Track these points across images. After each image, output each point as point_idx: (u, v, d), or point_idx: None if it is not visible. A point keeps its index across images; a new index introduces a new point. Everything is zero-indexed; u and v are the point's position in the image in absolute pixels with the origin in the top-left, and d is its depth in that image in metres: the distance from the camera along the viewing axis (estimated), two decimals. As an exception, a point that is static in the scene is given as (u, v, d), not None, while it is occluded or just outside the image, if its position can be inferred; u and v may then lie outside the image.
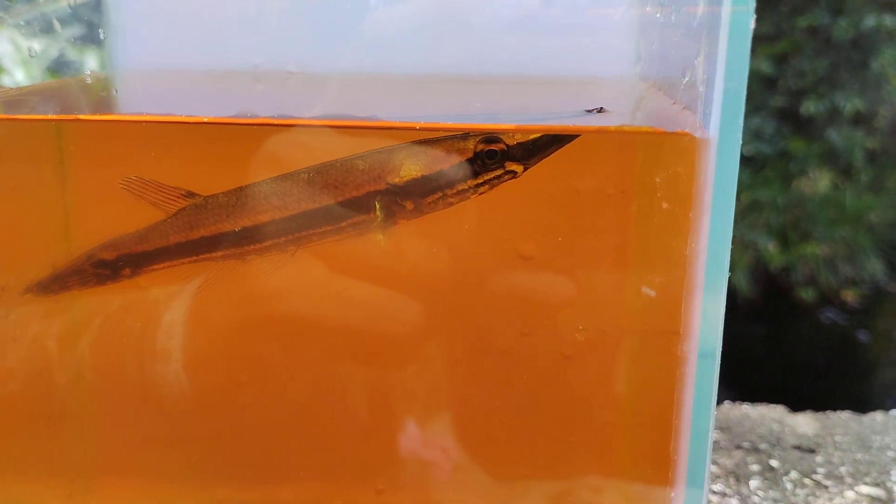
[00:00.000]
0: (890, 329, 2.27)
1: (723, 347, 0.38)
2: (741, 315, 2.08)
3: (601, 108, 0.39)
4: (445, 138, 0.38)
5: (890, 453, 0.64)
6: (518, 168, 0.37)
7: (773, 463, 0.62)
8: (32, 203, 0.41)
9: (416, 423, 0.44)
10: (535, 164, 0.37)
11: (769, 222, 2.31)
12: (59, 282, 0.41)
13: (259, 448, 0.46)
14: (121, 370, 0.44)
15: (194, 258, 0.39)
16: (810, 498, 0.57)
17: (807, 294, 2.31)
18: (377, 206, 0.38)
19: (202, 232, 0.39)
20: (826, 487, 0.59)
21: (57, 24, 0.49)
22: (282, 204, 0.38)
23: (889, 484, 0.59)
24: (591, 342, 0.41)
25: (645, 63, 0.49)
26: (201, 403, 0.45)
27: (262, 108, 0.46)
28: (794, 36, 2.42)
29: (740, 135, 0.32)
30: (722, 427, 0.68)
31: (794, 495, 0.58)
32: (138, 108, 0.53)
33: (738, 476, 0.60)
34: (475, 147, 0.37)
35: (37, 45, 0.48)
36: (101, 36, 0.49)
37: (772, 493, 0.58)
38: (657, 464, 0.42)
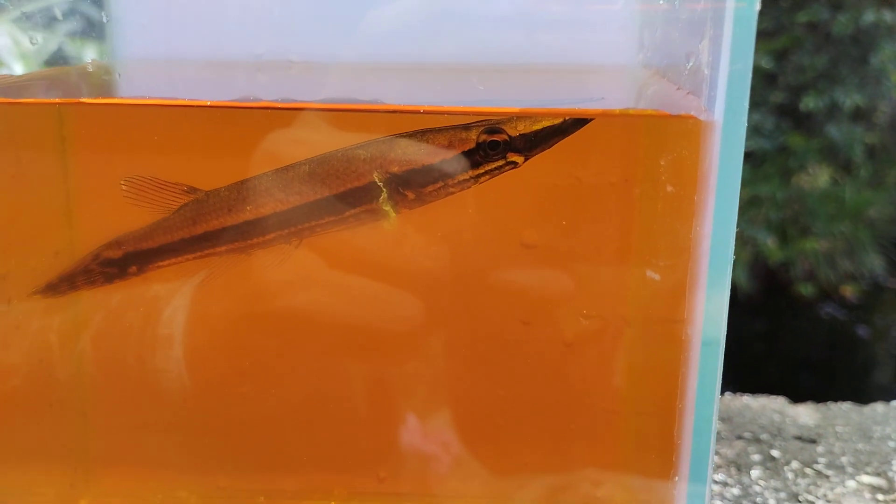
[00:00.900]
0: (889, 324, 2.27)
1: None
2: (740, 310, 2.08)
3: (602, 98, 0.39)
4: (447, 128, 0.38)
5: (891, 443, 0.64)
6: (519, 159, 0.37)
7: (775, 453, 0.62)
8: (34, 190, 0.41)
9: (417, 413, 0.44)
10: (537, 154, 0.37)
11: (768, 218, 2.31)
12: (67, 282, 0.41)
13: (260, 437, 0.46)
14: (122, 361, 0.44)
15: (199, 254, 0.39)
16: (811, 487, 0.57)
17: (806, 289, 2.31)
18: (379, 196, 0.38)
19: (205, 227, 0.39)
20: (827, 477, 0.59)
21: (58, 13, 0.49)
22: (284, 196, 0.38)
23: (890, 474, 0.59)
24: (593, 331, 0.41)
25: (648, 52, 0.49)
26: (203, 393, 0.45)
27: (265, 95, 0.46)
28: (794, 31, 2.42)
29: (745, 117, 0.32)
30: (723, 418, 0.68)
31: (796, 485, 0.58)
32: (140, 95, 0.53)
33: (740, 466, 0.60)
34: (477, 137, 0.37)
35: (38, 37, 0.48)
36: (105, 19, 0.49)
37: (773, 483, 0.58)
38: (661, 453, 0.42)
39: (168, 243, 0.39)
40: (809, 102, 2.36)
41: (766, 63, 2.36)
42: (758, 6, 0.31)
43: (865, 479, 0.59)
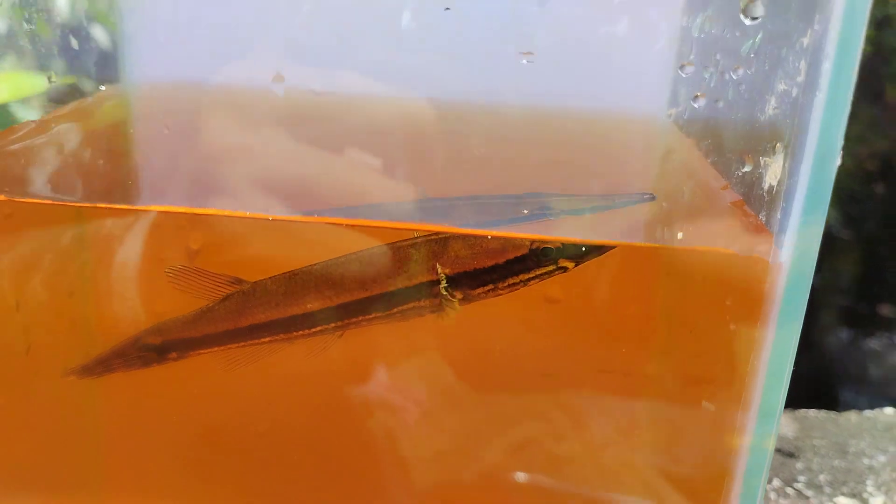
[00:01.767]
0: (840, 274, 2.35)
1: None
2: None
3: (652, 195, 0.39)
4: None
5: (865, 460, 0.68)
6: (570, 264, 0.37)
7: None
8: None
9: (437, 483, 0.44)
10: (588, 260, 0.37)
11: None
12: (104, 364, 0.40)
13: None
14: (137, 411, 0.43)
15: (242, 344, 0.39)
16: (795, 512, 0.61)
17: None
18: (428, 296, 0.38)
19: (250, 319, 0.38)
20: (807, 498, 0.63)
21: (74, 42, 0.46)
22: (332, 292, 0.38)
23: (864, 495, 0.63)
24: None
25: (682, 107, 0.48)
26: (206, 442, 0.45)
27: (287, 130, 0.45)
28: None
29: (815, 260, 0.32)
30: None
31: (780, 509, 0.61)
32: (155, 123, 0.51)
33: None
34: (530, 244, 0.37)
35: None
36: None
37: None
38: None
39: (212, 334, 0.39)
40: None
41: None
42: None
43: (842, 500, 0.63)
